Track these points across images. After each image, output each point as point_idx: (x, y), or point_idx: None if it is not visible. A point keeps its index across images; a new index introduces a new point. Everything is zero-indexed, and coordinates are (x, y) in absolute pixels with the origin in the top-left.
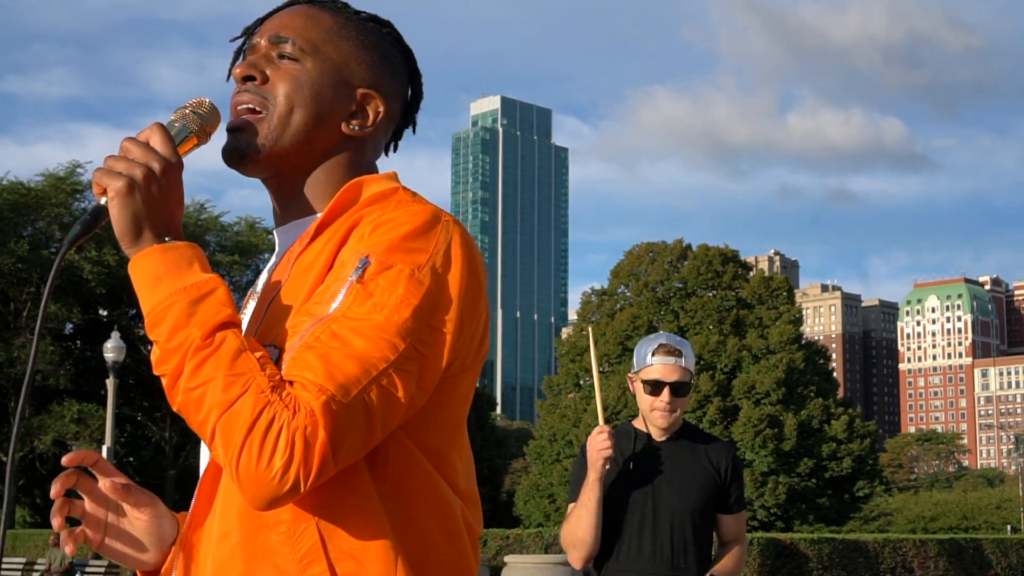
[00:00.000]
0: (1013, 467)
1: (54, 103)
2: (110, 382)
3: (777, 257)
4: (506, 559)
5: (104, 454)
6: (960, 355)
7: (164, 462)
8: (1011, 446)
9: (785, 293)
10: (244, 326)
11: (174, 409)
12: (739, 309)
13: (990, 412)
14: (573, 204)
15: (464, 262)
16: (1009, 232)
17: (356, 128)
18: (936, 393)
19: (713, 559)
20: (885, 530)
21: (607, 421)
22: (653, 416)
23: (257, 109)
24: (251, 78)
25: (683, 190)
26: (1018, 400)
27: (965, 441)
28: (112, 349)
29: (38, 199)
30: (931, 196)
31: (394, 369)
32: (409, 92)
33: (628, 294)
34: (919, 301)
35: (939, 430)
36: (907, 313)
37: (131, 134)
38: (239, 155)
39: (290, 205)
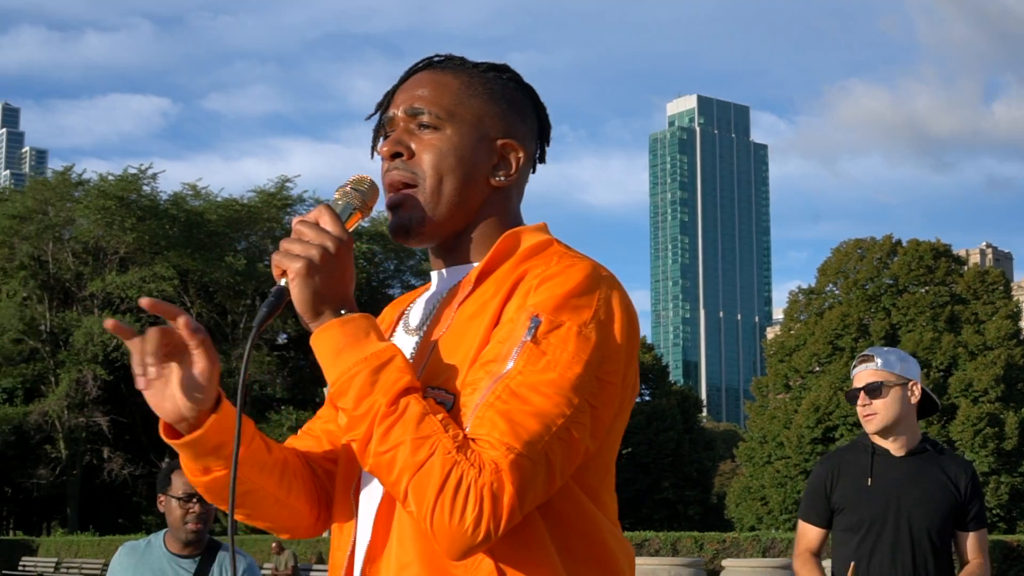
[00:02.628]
0: None
1: (256, 119)
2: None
3: (989, 250)
4: (724, 563)
5: None
6: None
7: None
8: None
9: (1001, 287)
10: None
11: (366, 470)
12: (953, 305)
13: None
14: (773, 201)
15: (624, 315)
16: None
17: (502, 179)
18: None
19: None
20: None
21: (819, 421)
22: (864, 424)
23: (410, 184)
24: (398, 155)
25: (885, 184)
26: None
27: None
28: None
29: (251, 214)
30: None
31: (571, 422)
32: (538, 127)
33: (836, 292)
34: None
35: None
36: None
37: (331, 147)
38: (405, 231)
39: (449, 255)
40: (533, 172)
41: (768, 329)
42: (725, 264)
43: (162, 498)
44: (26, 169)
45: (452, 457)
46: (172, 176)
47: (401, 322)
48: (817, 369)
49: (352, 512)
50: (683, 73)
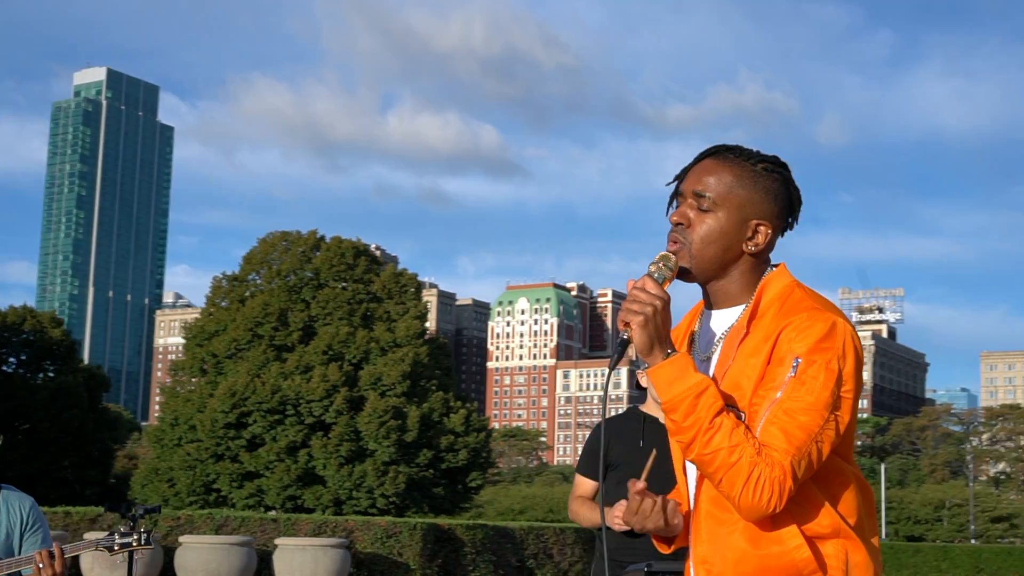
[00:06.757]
0: None
1: None
2: None
3: (378, 251)
4: (181, 539)
5: None
6: (545, 356)
7: None
8: None
9: (413, 289)
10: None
11: (690, 460)
12: (369, 302)
13: (568, 412)
14: (174, 185)
15: (853, 352)
16: (589, 241)
17: (752, 248)
18: (520, 391)
19: None
20: (477, 520)
21: (235, 406)
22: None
23: (682, 244)
24: (680, 223)
25: (282, 180)
26: (595, 401)
27: (546, 439)
28: None
29: None
30: (521, 202)
31: (823, 430)
32: (788, 205)
33: (260, 281)
34: (511, 302)
35: (522, 427)
36: (498, 313)
37: None
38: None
39: (716, 297)
40: (782, 236)
41: (158, 312)
42: (120, 243)
43: None
44: None
45: (754, 460)
46: None
47: (694, 347)
48: (234, 354)
49: (685, 473)
50: (93, 43)
